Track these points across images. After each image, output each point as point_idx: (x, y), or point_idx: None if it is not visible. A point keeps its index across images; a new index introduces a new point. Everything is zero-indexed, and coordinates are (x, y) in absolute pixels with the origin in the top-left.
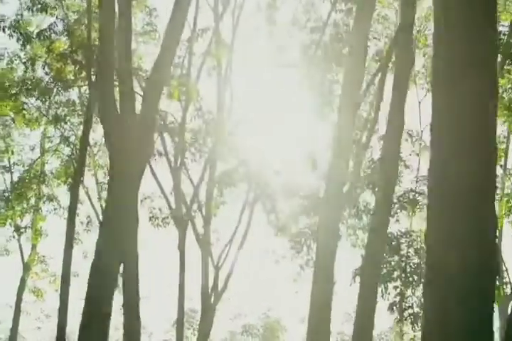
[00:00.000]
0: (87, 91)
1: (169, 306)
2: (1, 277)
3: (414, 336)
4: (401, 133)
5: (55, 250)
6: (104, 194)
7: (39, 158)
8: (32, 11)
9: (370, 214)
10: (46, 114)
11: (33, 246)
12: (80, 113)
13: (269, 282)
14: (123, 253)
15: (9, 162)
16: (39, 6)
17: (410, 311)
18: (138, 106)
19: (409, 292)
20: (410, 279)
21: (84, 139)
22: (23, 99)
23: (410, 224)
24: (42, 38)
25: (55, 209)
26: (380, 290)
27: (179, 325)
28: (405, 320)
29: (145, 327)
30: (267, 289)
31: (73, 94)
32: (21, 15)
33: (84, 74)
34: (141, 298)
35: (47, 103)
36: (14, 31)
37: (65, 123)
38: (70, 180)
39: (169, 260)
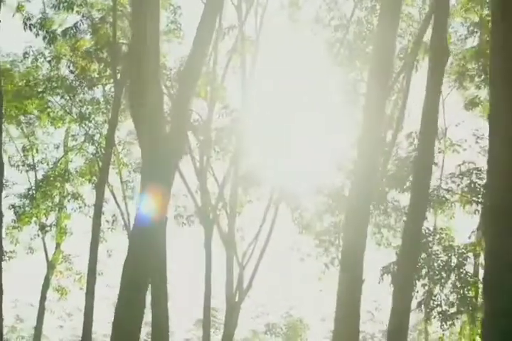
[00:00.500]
0: (112, 90)
1: (191, 305)
2: (24, 275)
3: (443, 335)
4: (436, 131)
5: (80, 248)
6: (129, 192)
7: (63, 156)
8: (58, 8)
9: (398, 212)
10: (70, 112)
11: (57, 245)
12: (104, 111)
13: (293, 280)
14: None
15: (33, 160)
16: (65, 4)
17: (439, 309)
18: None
19: (437, 289)
20: (438, 277)
21: (109, 137)
22: (48, 97)
23: (435, 221)
24: (68, 36)
25: (79, 207)
26: None
27: (206, 324)
28: (434, 318)
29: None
30: (291, 287)
31: (97, 92)
32: (47, 13)
33: (108, 72)
34: None
35: (71, 101)
36: (40, 29)
37: (90, 121)
38: (94, 178)
39: (191, 258)
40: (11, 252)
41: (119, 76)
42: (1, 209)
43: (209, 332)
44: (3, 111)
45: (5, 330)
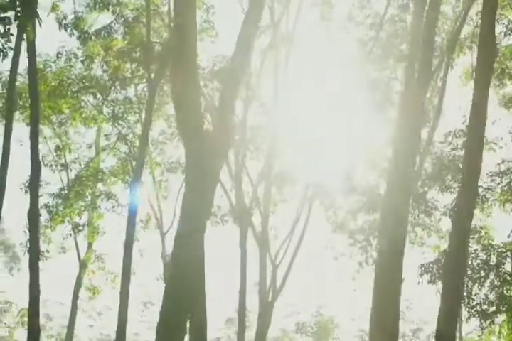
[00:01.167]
0: (145, 89)
1: (221, 304)
2: (54, 275)
3: (482, 333)
4: (484, 129)
5: (111, 247)
6: (163, 192)
7: (96, 155)
8: (94, 8)
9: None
10: (102, 112)
11: (89, 244)
12: (137, 111)
13: (326, 279)
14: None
15: (65, 160)
16: (101, 4)
17: (478, 308)
18: None
19: (476, 288)
20: (477, 276)
21: (143, 137)
22: (82, 97)
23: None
24: (101, 35)
25: (113, 206)
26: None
27: (241, 322)
28: (473, 316)
29: None
30: (323, 287)
31: (129, 91)
32: (81, 12)
33: (141, 71)
34: None
35: (104, 101)
36: (75, 29)
37: (123, 121)
38: (127, 177)
39: (223, 257)
40: (47, 252)
41: (152, 75)
42: (38, 209)
43: (244, 330)
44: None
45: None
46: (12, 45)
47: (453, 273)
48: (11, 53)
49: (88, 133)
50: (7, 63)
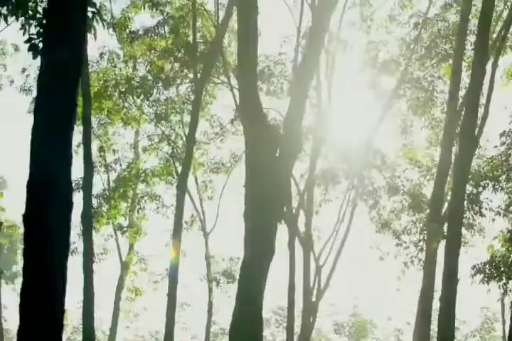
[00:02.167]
0: (188, 89)
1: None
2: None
3: None
4: None
5: (152, 248)
6: (209, 192)
7: (139, 156)
8: (144, 8)
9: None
10: (144, 112)
11: (131, 245)
12: (178, 111)
13: (369, 279)
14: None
15: (105, 161)
16: (150, 3)
17: None
18: None
19: None
20: None
21: (190, 137)
22: (124, 97)
23: None
24: (148, 35)
25: (157, 207)
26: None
27: (290, 323)
28: None
29: None
30: (364, 286)
31: (171, 92)
32: (127, 12)
33: (185, 71)
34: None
35: (147, 101)
36: (122, 29)
37: (166, 121)
38: (170, 178)
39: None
40: (101, 254)
41: (198, 76)
42: (91, 210)
43: (292, 332)
44: (91, 111)
45: (69, 331)
46: None
47: None
48: None
49: (127, 134)
50: None
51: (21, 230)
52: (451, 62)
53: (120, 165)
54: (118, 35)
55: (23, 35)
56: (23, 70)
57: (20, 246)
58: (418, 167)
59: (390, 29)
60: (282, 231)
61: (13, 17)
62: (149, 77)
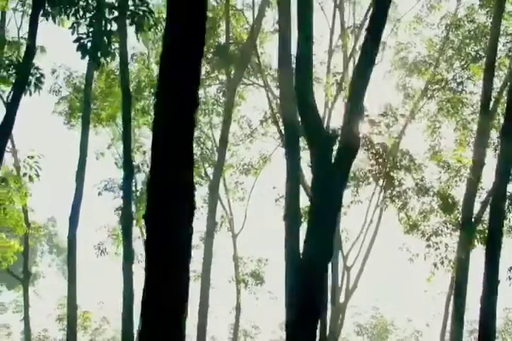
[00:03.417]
0: (218, 91)
1: (275, 306)
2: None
3: None
4: None
5: None
6: (240, 194)
7: None
8: None
9: None
10: None
11: None
12: (207, 112)
13: (398, 281)
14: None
15: (134, 161)
16: None
17: None
18: None
19: None
20: None
21: (223, 138)
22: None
23: None
24: None
25: None
26: None
27: (322, 325)
28: None
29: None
30: (392, 287)
31: (200, 93)
32: (159, 13)
33: (215, 73)
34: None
35: None
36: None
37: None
38: (199, 179)
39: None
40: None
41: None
42: (131, 212)
43: (325, 332)
44: (132, 111)
45: (89, 331)
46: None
47: None
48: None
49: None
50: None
51: (43, 231)
52: (480, 63)
53: (147, 166)
54: (155, 35)
55: (72, 34)
56: (53, 71)
57: (40, 247)
58: (447, 168)
59: (417, 30)
60: None
61: (64, 16)
62: None
